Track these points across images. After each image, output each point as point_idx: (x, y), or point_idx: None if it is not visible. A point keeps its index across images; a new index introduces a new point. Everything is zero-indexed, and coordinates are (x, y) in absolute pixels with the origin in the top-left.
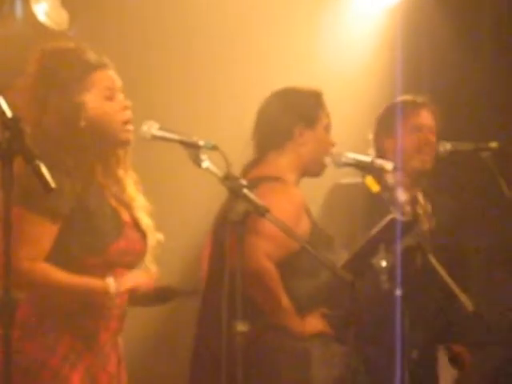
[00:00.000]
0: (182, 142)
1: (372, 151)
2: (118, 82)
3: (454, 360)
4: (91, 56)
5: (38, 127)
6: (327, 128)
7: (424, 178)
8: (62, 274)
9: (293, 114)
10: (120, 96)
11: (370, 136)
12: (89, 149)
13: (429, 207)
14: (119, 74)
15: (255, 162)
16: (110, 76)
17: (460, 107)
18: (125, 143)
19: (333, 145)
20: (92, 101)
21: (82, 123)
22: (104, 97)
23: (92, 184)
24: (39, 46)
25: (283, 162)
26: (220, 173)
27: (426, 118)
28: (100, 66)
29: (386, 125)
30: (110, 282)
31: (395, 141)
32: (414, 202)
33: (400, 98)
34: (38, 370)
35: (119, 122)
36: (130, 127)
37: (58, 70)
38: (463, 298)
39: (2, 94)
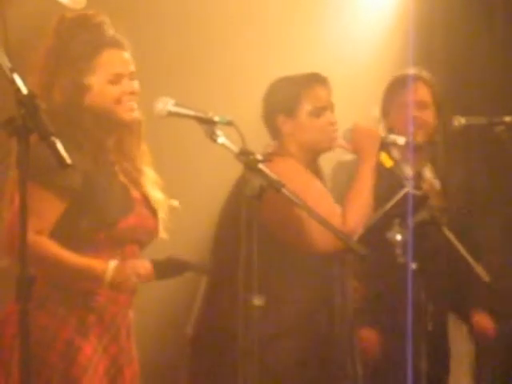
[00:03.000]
0: (197, 118)
1: (381, 127)
2: (130, 66)
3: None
4: (107, 32)
5: (47, 101)
6: (316, 112)
7: (424, 153)
8: (62, 251)
9: (273, 106)
10: (127, 80)
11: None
12: (95, 126)
13: (437, 183)
14: (133, 51)
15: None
16: (122, 57)
17: (474, 81)
18: (129, 124)
19: (332, 124)
20: (96, 83)
21: (85, 104)
22: (109, 80)
23: (102, 160)
24: (60, 14)
25: (290, 148)
26: (235, 148)
27: (414, 92)
28: (113, 45)
29: (382, 102)
30: (111, 266)
31: (390, 119)
32: (418, 177)
33: (394, 74)
34: (50, 342)
35: (122, 107)
36: (134, 111)
37: (70, 46)
38: (479, 269)
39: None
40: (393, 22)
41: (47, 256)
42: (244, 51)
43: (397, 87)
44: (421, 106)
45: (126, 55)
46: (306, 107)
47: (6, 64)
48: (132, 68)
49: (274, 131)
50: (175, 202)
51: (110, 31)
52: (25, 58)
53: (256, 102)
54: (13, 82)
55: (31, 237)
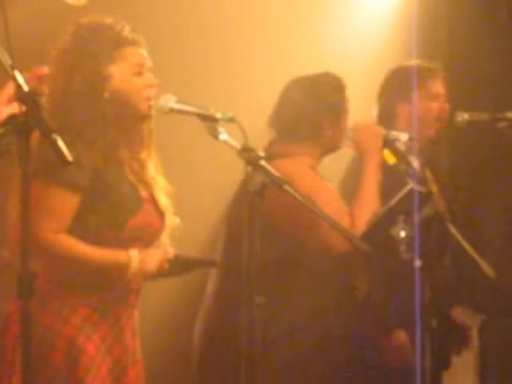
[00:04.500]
0: (199, 115)
1: (376, 111)
2: (148, 62)
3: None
4: (126, 31)
5: (65, 95)
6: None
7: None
8: (85, 246)
9: (321, 109)
10: (148, 74)
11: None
12: (111, 122)
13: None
14: None
15: (277, 155)
16: (142, 54)
17: (477, 76)
18: (145, 117)
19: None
20: (119, 74)
21: (106, 94)
22: (132, 72)
23: (113, 158)
24: (75, 20)
25: (305, 151)
26: (237, 145)
27: (441, 86)
28: (133, 43)
29: (399, 88)
30: (134, 255)
31: (409, 106)
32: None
33: (414, 62)
34: (52, 339)
35: (142, 97)
36: (152, 103)
37: (90, 43)
38: (484, 265)
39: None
40: (396, 16)
41: (71, 253)
42: (246, 48)
43: (424, 77)
44: (446, 99)
45: (145, 52)
46: (348, 113)
47: (7, 61)
48: (150, 64)
49: (308, 133)
50: (176, 219)
51: (130, 32)
52: (26, 55)
53: (258, 98)
54: (14, 79)
55: (50, 237)
